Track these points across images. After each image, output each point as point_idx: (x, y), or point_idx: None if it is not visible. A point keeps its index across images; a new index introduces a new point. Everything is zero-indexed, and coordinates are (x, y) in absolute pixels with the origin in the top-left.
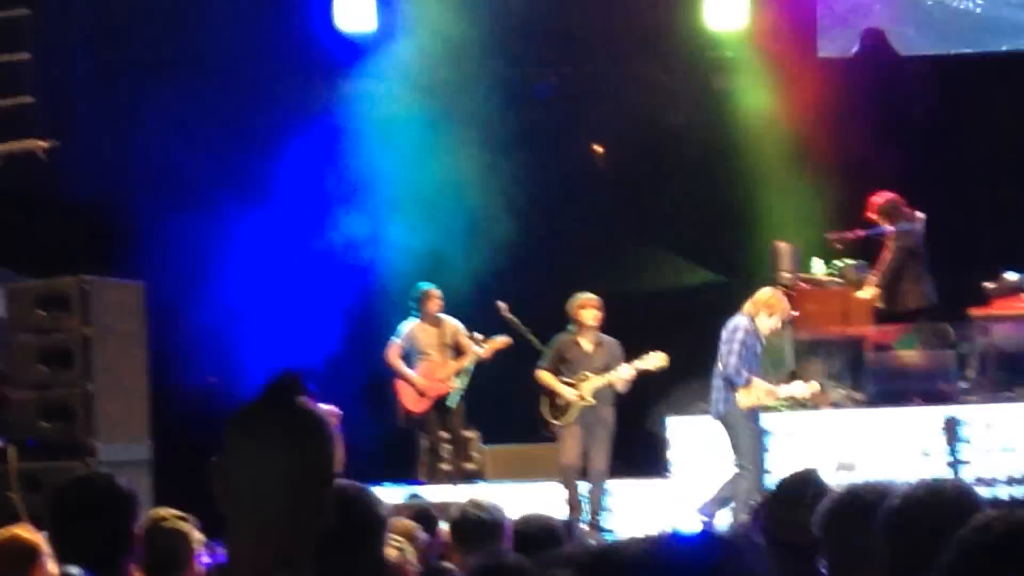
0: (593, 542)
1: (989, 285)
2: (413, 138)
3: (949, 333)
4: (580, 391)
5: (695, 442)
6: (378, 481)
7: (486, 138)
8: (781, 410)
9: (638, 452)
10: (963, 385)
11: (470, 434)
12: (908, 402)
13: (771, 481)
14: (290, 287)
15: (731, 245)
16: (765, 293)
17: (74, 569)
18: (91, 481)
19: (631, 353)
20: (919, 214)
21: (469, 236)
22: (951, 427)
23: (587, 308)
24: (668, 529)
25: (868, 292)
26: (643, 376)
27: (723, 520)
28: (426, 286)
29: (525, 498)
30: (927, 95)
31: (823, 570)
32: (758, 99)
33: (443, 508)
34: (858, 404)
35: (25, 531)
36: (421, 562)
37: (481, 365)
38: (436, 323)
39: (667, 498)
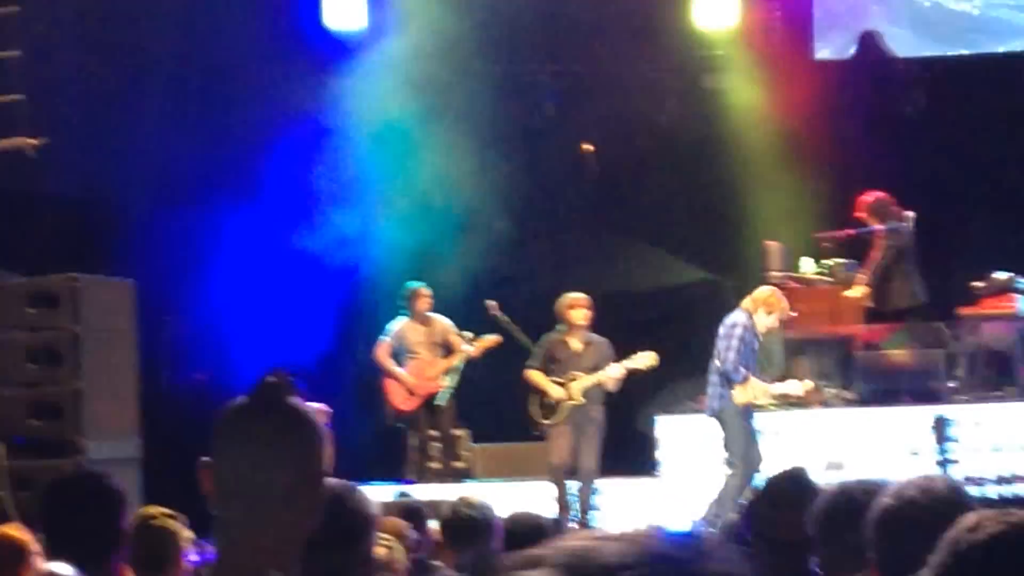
0: (569, 542)
1: (978, 284)
2: (403, 136)
3: (940, 332)
4: (569, 391)
5: (684, 441)
6: (367, 479)
7: (476, 136)
8: (771, 409)
9: (627, 451)
10: (952, 384)
11: (459, 433)
12: (897, 401)
13: (760, 479)
14: (280, 285)
15: (721, 244)
16: (765, 291)
17: (64, 567)
18: (83, 479)
19: (621, 352)
20: (908, 213)
21: (459, 234)
22: (940, 426)
23: (576, 308)
24: (645, 528)
25: (857, 291)
26: (633, 375)
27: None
28: (415, 285)
29: (514, 497)
30: (917, 95)
31: (816, 568)
32: (748, 98)
33: (433, 507)
34: (847, 403)
35: (14, 530)
36: (411, 560)
37: (470, 363)
38: (425, 322)
39: (656, 497)
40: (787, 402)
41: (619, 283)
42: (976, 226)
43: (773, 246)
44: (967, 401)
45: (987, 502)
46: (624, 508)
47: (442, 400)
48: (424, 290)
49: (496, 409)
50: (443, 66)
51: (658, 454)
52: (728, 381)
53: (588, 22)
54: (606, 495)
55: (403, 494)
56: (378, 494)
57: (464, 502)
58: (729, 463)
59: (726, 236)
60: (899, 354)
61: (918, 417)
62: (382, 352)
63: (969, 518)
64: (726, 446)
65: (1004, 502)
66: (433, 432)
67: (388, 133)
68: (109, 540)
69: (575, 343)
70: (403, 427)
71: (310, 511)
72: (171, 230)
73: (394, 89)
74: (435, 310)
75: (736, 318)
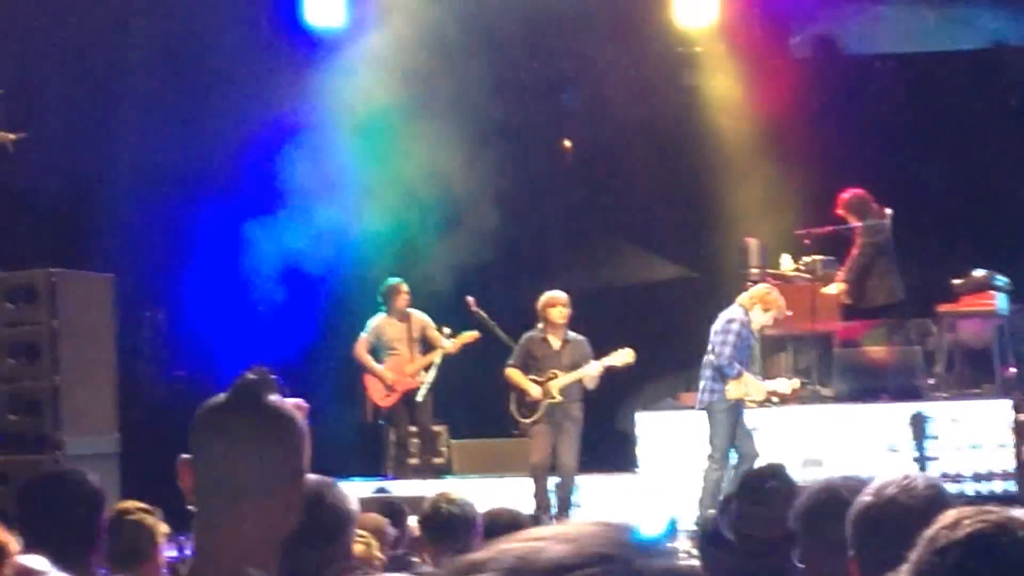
0: (510, 544)
1: (957, 281)
2: (384, 131)
3: (919, 329)
4: (548, 389)
5: (664, 438)
6: (346, 476)
7: (457, 132)
8: (750, 406)
9: (607, 448)
10: (930, 381)
11: (438, 428)
12: (875, 398)
13: (738, 475)
14: (260, 280)
15: (699, 241)
16: (762, 288)
17: (39, 560)
18: (59, 476)
19: (599, 348)
20: (887, 210)
21: (440, 230)
22: (918, 423)
23: (555, 306)
24: (590, 524)
25: (836, 288)
26: (611, 372)
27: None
28: (394, 281)
29: (492, 493)
30: (896, 92)
31: (797, 563)
32: (727, 95)
33: (412, 503)
34: (825, 400)
35: None
36: (388, 557)
37: (449, 359)
38: (404, 318)
39: (636, 493)
40: (769, 399)
41: (598, 280)
42: (955, 223)
43: (752, 243)
44: (945, 398)
45: (965, 499)
46: (604, 504)
47: (421, 396)
48: (402, 286)
49: (475, 405)
50: (424, 62)
51: (638, 451)
52: (722, 376)
53: (569, 18)
54: (586, 492)
55: (382, 490)
56: (357, 490)
57: (445, 498)
58: (710, 457)
59: (705, 233)
60: (877, 351)
61: (896, 414)
62: (361, 348)
63: (948, 515)
64: (710, 440)
65: (982, 499)
66: (412, 428)
67: (369, 128)
68: (86, 537)
69: (554, 341)
70: (382, 423)
71: (290, 508)
72: (151, 225)
73: (374, 85)
74: (415, 306)
75: (733, 313)
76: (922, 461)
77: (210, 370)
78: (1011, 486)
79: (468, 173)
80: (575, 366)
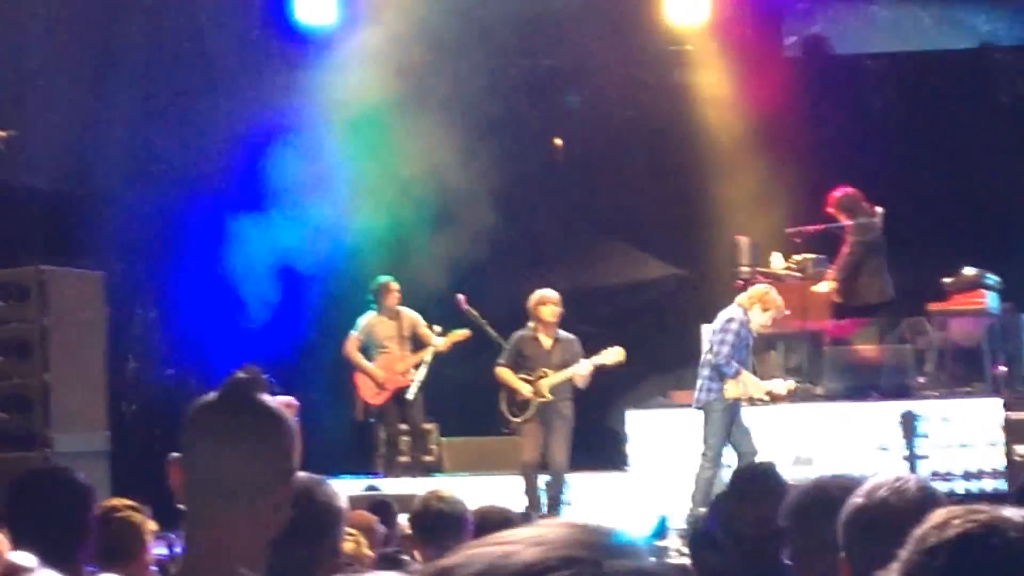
0: (480, 549)
1: (948, 280)
2: (376, 128)
3: (909, 328)
4: (538, 388)
5: (654, 436)
6: (336, 473)
7: (449, 129)
8: (744, 404)
9: (597, 446)
10: (921, 380)
11: (428, 426)
12: (866, 396)
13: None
14: (252, 278)
15: (690, 239)
16: (761, 288)
17: (26, 556)
18: (49, 474)
19: (589, 347)
20: (878, 209)
21: (431, 228)
22: (908, 422)
23: (546, 304)
24: (560, 524)
25: (826, 286)
26: (601, 371)
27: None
28: (384, 279)
29: (482, 491)
30: (887, 91)
31: (787, 561)
32: (719, 93)
33: (403, 500)
34: (816, 398)
35: None
36: (378, 554)
37: (440, 357)
38: (394, 316)
39: (626, 491)
40: (762, 398)
41: (589, 278)
42: (946, 222)
43: (743, 241)
44: (936, 397)
45: (955, 498)
46: (594, 503)
47: (411, 394)
48: (393, 284)
49: (465, 403)
50: (415, 59)
51: (628, 449)
52: (720, 375)
53: (561, 16)
54: (576, 490)
55: (372, 488)
56: (347, 488)
57: (435, 496)
58: (703, 456)
59: (696, 231)
60: (868, 349)
61: (887, 413)
62: (351, 346)
63: (937, 515)
64: (704, 439)
65: (972, 498)
66: (402, 426)
67: (360, 126)
68: (75, 534)
69: (545, 340)
70: (372, 421)
71: (279, 507)
72: (142, 222)
73: (366, 82)
74: (406, 304)
75: (731, 313)
76: (912, 459)
77: (201, 368)
78: (1001, 484)
79: (459, 171)
80: (565, 365)
